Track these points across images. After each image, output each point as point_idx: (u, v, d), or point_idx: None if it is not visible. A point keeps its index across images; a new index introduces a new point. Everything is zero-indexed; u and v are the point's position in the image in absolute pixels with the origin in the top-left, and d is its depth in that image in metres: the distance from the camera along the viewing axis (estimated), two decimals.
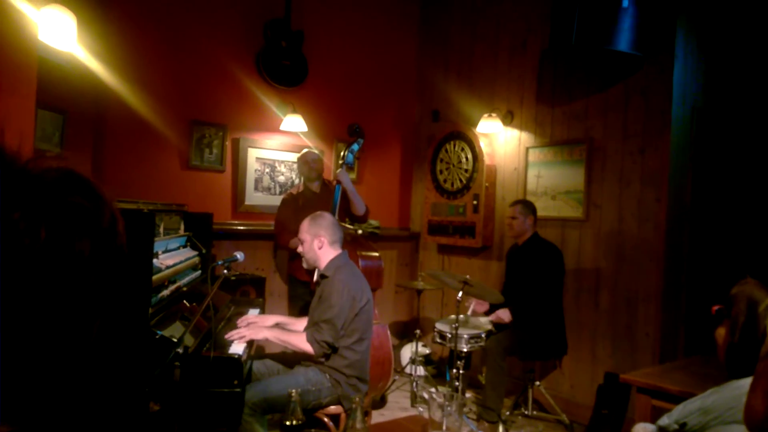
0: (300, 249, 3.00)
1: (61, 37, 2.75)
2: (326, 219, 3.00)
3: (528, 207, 4.10)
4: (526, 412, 4.11)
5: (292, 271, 4.38)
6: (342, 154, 4.27)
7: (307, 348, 2.76)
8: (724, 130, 4.19)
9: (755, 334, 1.62)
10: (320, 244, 2.93)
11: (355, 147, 4.22)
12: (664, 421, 1.85)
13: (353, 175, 5.01)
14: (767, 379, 0.82)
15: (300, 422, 1.74)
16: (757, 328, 1.62)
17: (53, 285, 0.58)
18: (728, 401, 1.65)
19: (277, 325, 3.10)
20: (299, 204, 4.27)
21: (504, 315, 3.92)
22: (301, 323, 3.15)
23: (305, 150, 4.49)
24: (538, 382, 4.16)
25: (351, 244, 4.09)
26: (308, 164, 4.33)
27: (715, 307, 1.76)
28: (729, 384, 1.69)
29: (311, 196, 4.31)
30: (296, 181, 5.00)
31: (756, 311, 1.62)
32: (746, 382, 1.62)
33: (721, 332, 1.75)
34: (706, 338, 3.77)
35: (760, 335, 1.61)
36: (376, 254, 4.20)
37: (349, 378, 2.82)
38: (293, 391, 1.77)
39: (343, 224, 4.22)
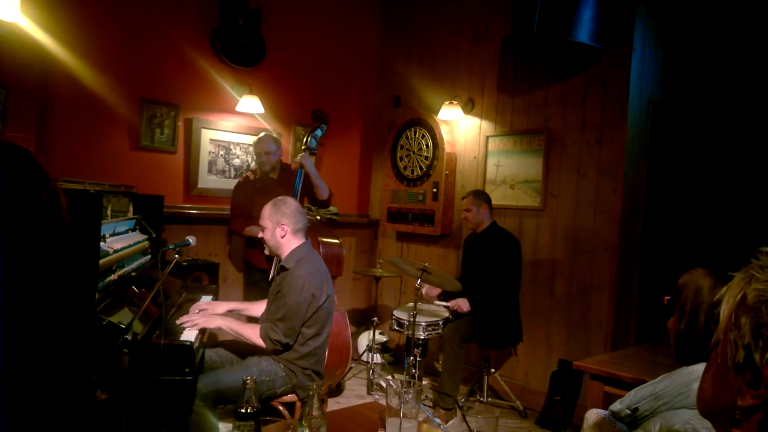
0: (261, 235, 2.89)
1: (4, 6, 2.57)
2: (289, 205, 2.86)
3: (479, 196, 4.10)
4: (481, 399, 4.15)
5: (248, 256, 4.28)
6: (305, 139, 4.19)
7: (259, 342, 2.71)
8: (679, 123, 4.30)
9: (699, 320, 1.65)
10: (283, 233, 2.81)
11: (319, 132, 4.18)
12: (616, 406, 1.87)
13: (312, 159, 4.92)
14: (716, 366, 0.85)
15: (255, 410, 1.68)
16: (700, 314, 1.65)
17: None
18: (678, 387, 1.68)
19: (230, 312, 3.02)
20: (256, 187, 4.15)
21: (463, 304, 3.93)
22: (258, 307, 3.07)
23: (262, 134, 4.32)
24: (493, 370, 4.21)
25: (311, 230, 4.03)
26: (261, 156, 4.16)
27: (667, 297, 1.79)
28: (679, 370, 1.72)
29: (269, 181, 4.20)
30: (252, 164, 4.89)
31: (700, 298, 1.65)
32: (695, 369, 1.66)
33: (672, 322, 1.78)
34: (656, 326, 3.88)
35: (703, 322, 1.64)
36: (337, 241, 4.15)
37: (304, 370, 2.77)
38: (248, 378, 1.71)
39: (306, 206, 4.16)
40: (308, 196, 4.22)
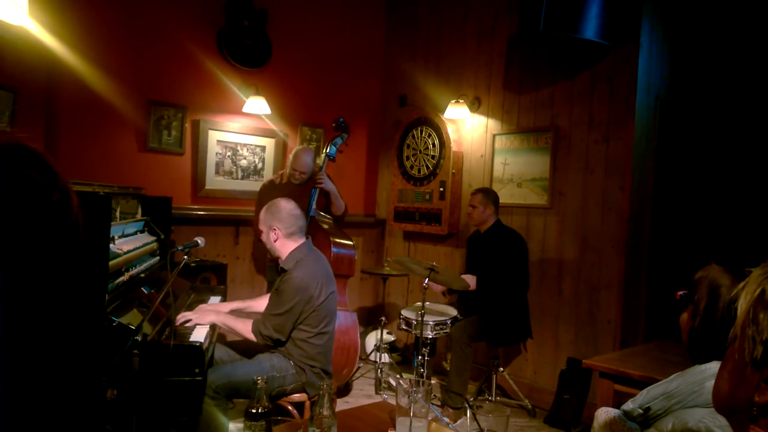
0: (261, 238, 2.93)
1: (12, 10, 2.58)
2: (281, 209, 2.84)
3: (488, 196, 4.10)
4: (489, 398, 4.14)
5: (273, 259, 4.32)
6: (325, 149, 4.29)
7: (251, 337, 2.75)
8: (687, 120, 4.27)
9: (715, 318, 1.63)
10: (275, 237, 2.83)
11: (339, 140, 4.29)
12: (628, 406, 1.86)
13: (319, 160, 4.93)
14: (733, 362, 0.84)
15: (265, 409, 1.69)
16: (716, 312, 1.63)
17: None
18: (691, 385, 1.67)
19: (231, 312, 3.03)
20: (281, 193, 4.14)
21: (470, 280, 3.90)
22: (261, 302, 3.08)
23: (301, 148, 4.30)
24: (502, 368, 4.20)
25: (326, 230, 4.06)
26: (295, 174, 4.21)
27: (680, 293, 1.77)
28: (692, 369, 1.70)
29: (293, 188, 4.19)
30: (259, 165, 4.91)
31: (717, 296, 1.63)
32: (709, 367, 1.64)
33: (684, 317, 1.76)
34: (665, 324, 3.86)
35: (719, 320, 1.63)
36: (350, 243, 4.15)
37: (313, 368, 2.78)
38: (259, 378, 1.72)
39: (322, 213, 4.19)
40: (325, 209, 4.27)
